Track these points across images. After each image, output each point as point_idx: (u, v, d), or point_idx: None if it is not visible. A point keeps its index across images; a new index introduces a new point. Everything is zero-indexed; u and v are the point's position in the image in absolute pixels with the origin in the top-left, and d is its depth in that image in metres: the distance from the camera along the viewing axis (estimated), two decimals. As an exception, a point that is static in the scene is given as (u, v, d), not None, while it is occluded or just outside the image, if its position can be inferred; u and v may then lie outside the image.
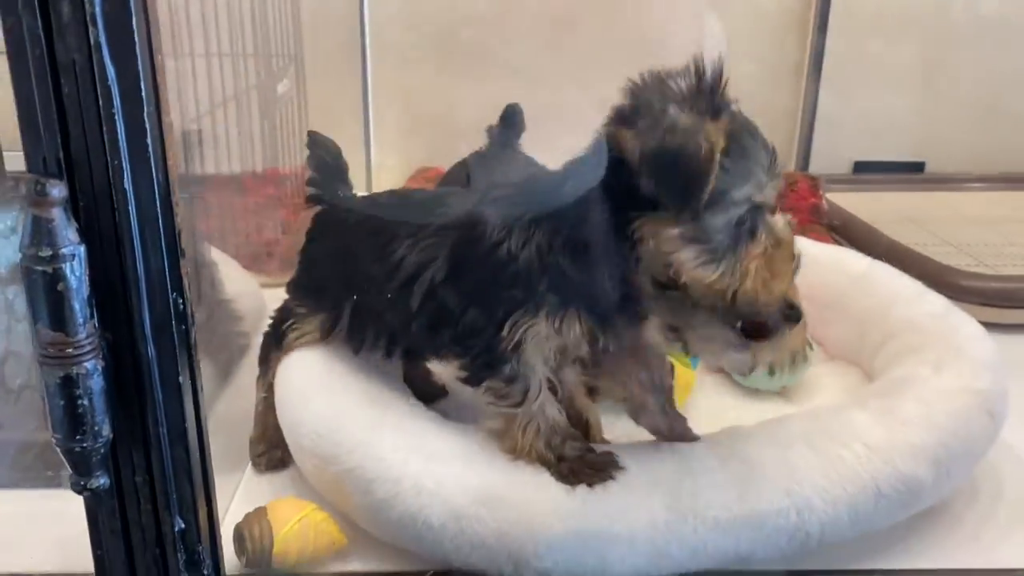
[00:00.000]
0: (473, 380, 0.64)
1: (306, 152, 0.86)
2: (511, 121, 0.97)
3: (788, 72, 1.56)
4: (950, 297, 1.06)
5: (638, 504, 0.59)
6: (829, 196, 1.43)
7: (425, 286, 0.65)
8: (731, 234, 0.57)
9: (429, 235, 0.66)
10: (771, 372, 0.67)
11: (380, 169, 1.58)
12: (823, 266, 0.92)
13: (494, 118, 1.53)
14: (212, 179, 1.11)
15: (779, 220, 0.60)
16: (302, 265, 0.79)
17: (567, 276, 0.60)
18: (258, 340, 0.92)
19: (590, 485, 0.60)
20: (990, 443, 0.70)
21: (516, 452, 0.62)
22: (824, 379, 0.86)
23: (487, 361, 0.62)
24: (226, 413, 0.82)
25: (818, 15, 1.51)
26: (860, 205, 1.42)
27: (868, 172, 1.60)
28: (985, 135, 1.60)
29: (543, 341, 0.61)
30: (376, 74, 1.54)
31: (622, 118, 0.59)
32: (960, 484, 0.70)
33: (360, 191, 1.57)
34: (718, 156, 0.55)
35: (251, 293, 0.97)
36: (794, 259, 0.60)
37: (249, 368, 0.89)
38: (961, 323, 0.78)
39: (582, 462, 0.62)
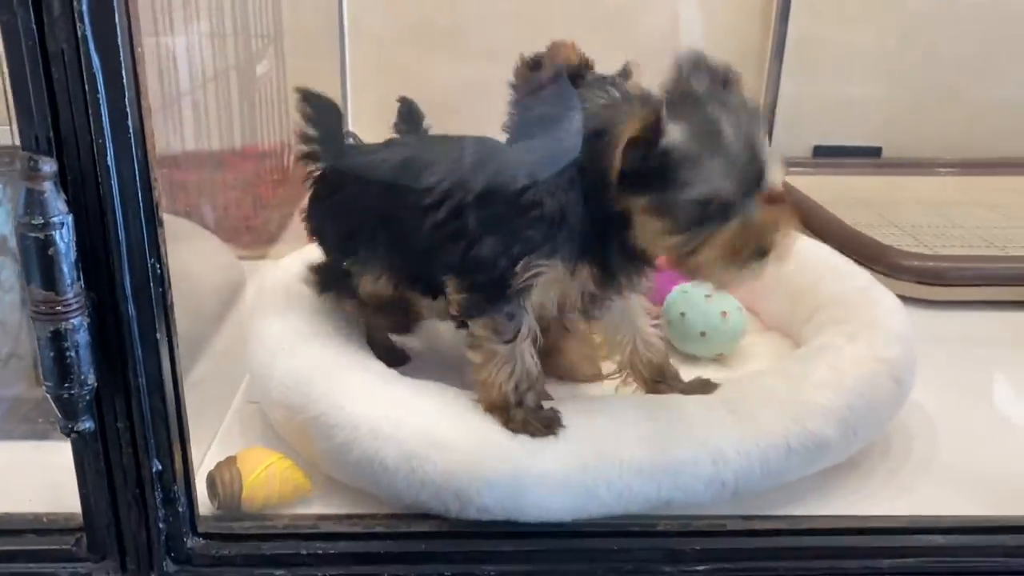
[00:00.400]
0: (473, 312, 0.68)
1: (296, 111, 0.88)
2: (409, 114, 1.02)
3: (751, 58, 1.62)
4: (887, 275, 1.15)
5: (571, 450, 0.66)
6: (790, 178, 1.50)
7: (453, 206, 0.69)
8: (695, 212, 0.61)
9: (461, 169, 0.71)
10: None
11: (357, 147, 1.63)
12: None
13: (468, 98, 1.60)
14: (193, 155, 1.17)
15: (762, 215, 0.62)
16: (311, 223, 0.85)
17: (584, 229, 0.65)
18: (235, 307, 0.99)
19: (532, 436, 0.67)
20: (897, 407, 0.77)
21: (486, 386, 0.68)
22: (758, 348, 0.93)
23: (493, 295, 0.67)
24: (205, 372, 0.88)
25: (780, 3, 1.57)
26: (818, 187, 1.49)
27: (827, 156, 1.66)
28: (940, 122, 1.67)
29: (551, 285, 0.67)
30: (354, 55, 1.59)
31: None
32: (869, 443, 0.77)
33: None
34: (622, 144, 0.60)
35: (229, 264, 1.03)
36: (759, 256, 0.62)
37: (227, 332, 0.96)
38: (881, 297, 0.85)
39: (533, 415, 0.69)
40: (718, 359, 0.90)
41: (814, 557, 0.66)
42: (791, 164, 1.57)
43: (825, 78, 1.63)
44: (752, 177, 0.62)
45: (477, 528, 0.65)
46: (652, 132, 0.61)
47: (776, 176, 0.63)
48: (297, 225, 1.27)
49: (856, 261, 1.17)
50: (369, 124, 1.62)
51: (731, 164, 0.61)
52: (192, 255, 0.98)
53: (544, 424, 0.68)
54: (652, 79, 1.64)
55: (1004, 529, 0.67)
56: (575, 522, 0.66)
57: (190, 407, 0.75)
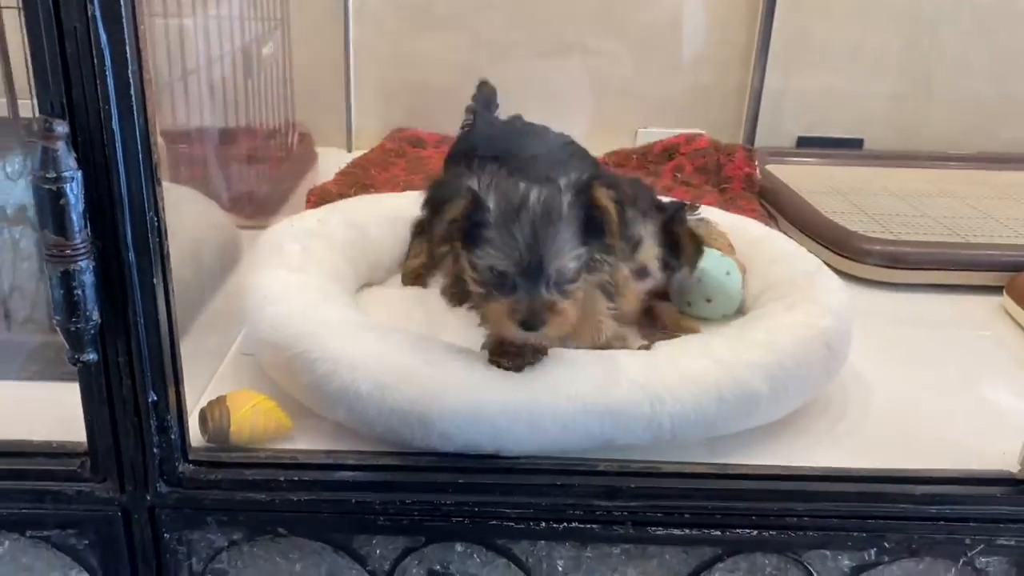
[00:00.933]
0: None
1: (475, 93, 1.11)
2: (485, 96, 1.11)
3: (737, 51, 1.68)
4: (852, 259, 1.22)
5: (524, 385, 0.73)
6: (773, 168, 1.57)
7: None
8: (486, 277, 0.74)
9: None
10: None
11: (359, 129, 1.71)
12: (728, 230, 1.06)
13: (465, 84, 1.67)
14: (201, 130, 1.25)
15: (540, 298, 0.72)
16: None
17: None
18: (232, 270, 1.07)
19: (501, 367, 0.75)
20: (829, 373, 0.84)
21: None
22: (718, 326, 1.00)
23: None
24: (203, 325, 0.96)
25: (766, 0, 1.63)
26: (800, 176, 1.56)
27: (811, 147, 1.72)
28: (921, 116, 1.73)
29: None
30: (358, 40, 1.66)
31: None
32: (805, 405, 0.84)
33: (341, 149, 1.71)
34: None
35: (228, 231, 1.11)
36: (525, 328, 0.72)
37: (225, 291, 1.04)
38: (825, 279, 0.92)
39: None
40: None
41: (737, 499, 0.73)
42: (775, 154, 1.65)
43: (810, 71, 1.70)
44: (529, 264, 0.72)
45: (436, 462, 0.73)
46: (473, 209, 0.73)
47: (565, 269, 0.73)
48: (296, 201, 1.36)
49: (824, 245, 1.25)
50: (372, 105, 1.70)
51: (513, 248, 0.71)
52: (196, 220, 1.06)
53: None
54: (646, 67, 1.72)
55: (911, 479, 0.74)
56: (525, 457, 0.74)
57: (189, 355, 0.84)
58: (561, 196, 0.73)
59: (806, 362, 0.80)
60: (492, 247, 0.72)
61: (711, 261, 0.97)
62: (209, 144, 1.27)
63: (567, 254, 0.72)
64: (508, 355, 0.76)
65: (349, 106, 1.70)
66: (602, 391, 0.74)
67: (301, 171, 1.51)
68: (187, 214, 1.02)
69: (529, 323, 0.72)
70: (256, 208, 1.30)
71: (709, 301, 0.97)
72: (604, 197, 0.73)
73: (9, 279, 0.96)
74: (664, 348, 0.81)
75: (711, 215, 1.11)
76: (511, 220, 0.71)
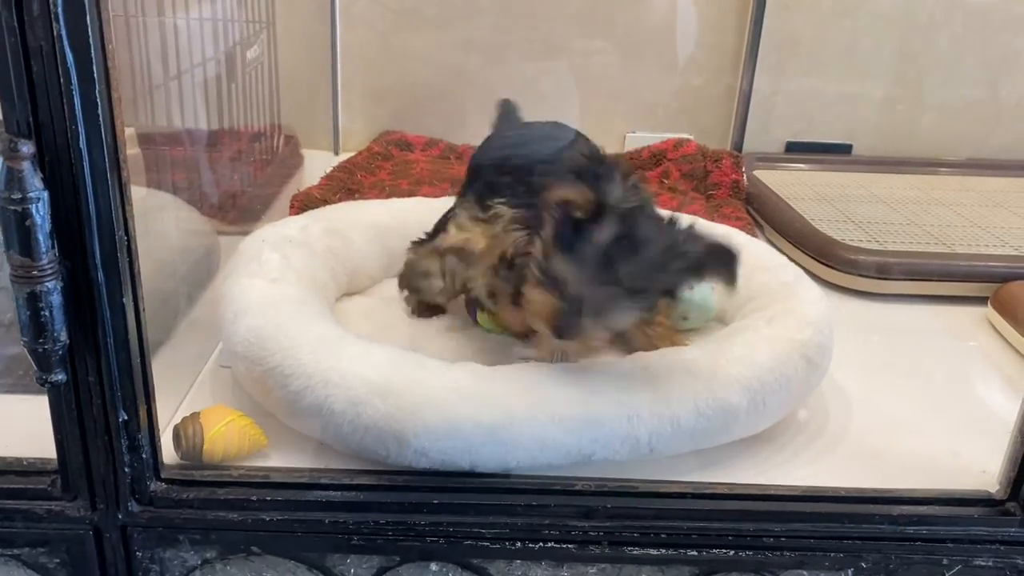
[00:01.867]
0: None
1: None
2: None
3: (727, 55, 1.67)
4: (836, 268, 1.21)
5: (500, 401, 0.73)
6: (761, 174, 1.57)
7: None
8: None
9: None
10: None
11: (346, 132, 1.70)
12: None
13: (452, 86, 1.66)
14: (185, 134, 1.23)
15: None
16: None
17: None
18: (212, 280, 1.06)
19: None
20: (809, 386, 0.84)
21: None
22: (697, 338, 0.99)
23: None
24: (180, 338, 0.96)
25: (756, 1, 1.62)
26: (788, 183, 1.55)
27: (799, 152, 1.72)
28: (910, 122, 1.73)
29: None
30: (345, 42, 1.65)
31: None
32: (784, 419, 0.84)
33: (328, 152, 1.70)
34: None
35: (208, 239, 1.10)
36: None
37: (204, 300, 1.03)
38: (804, 289, 0.91)
39: None
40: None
41: (714, 519, 0.73)
42: (763, 160, 1.64)
43: (799, 76, 1.69)
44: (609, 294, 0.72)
45: (411, 482, 0.73)
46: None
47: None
48: (280, 204, 1.35)
49: (810, 255, 1.25)
50: (359, 107, 1.69)
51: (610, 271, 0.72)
52: (175, 227, 1.05)
53: None
54: (635, 71, 1.71)
55: (889, 500, 0.74)
56: (501, 475, 0.73)
57: (167, 367, 0.83)
58: (677, 243, 0.72)
59: (785, 375, 0.80)
60: (589, 255, 0.70)
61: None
62: (191, 148, 1.26)
63: (640, 302, 0.73)
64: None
65: (336, 108, 1.69)
66: (579, 406, 0.73)
67: (286, 174, 1.50)
68: (166, 221, 1.01)
69: (563, 332, 0.72)
70: (239, 213, 1.29)
71: (685, 319, 0.96)
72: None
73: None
74: (641, 362, 0.80)
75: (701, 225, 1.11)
76: (623, 244, 0.70)
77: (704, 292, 0.94)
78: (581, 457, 0.74)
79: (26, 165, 0.57)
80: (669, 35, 1.68)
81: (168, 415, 0.81)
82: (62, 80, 0.57)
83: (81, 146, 0.59)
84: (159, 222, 1.00)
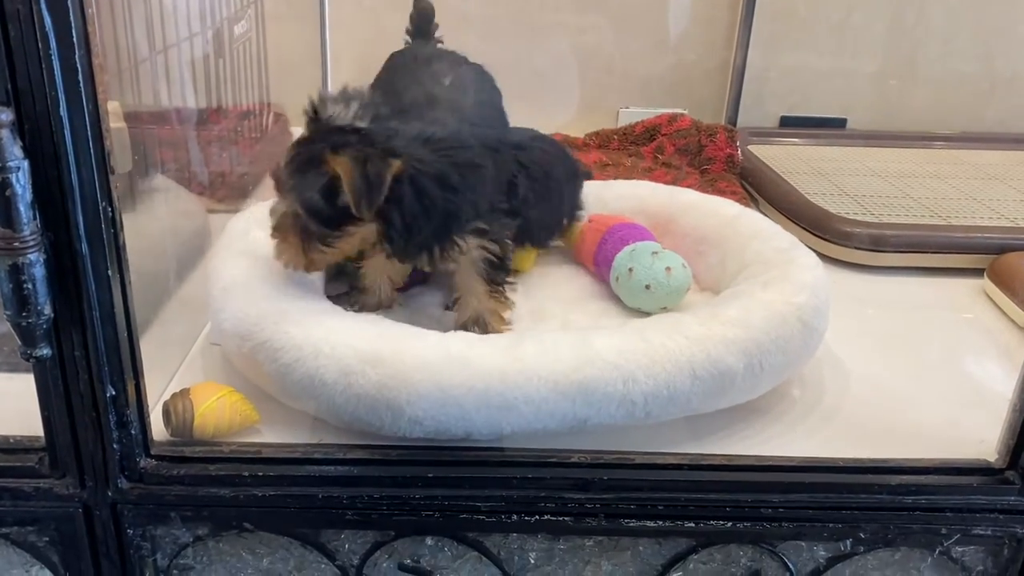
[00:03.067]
0: None
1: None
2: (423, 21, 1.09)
3: (720, 30, 1.66)
4: (832, 241, 1.21)
5: (493, 365, 0.72)
6: (755, 148, 1.55)
7: None
8: None
9: None
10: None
11: (337, 108, 1.67)
12: (701, 211, 1.05)
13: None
14: (172, 111, 1.22)
15: None
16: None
17: None
18: (201, 257, 1.05)
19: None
20: (806, 349, 0.83)
21: None
22: (694, 306, 0.97)
23: None
24: (170, 315, 0.94)
25: (749, -23, 1.61)
26: (782, 157, 1.54)
27: (793, 126, 1.71)
28: (905, 95, 1.71)
29: None
30: (334, 17, 1.63)
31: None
32: (780, 389, 0.83)
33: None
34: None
35: (197, 217, 1.09)
36: None
37: (193, 278, 1.02)
38: (799, 256, 0.90)
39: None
40: (662, 312, 0.95)
41: (712, 490, 0.72)
42: (758, 134, 1.63)
43: (793, 50, 1.68)
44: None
45: (405, 456, 0.72)
46: None
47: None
48: (271, 181, 1.33)
49: (805, 228, 1.24)
50: (350, 84, 1.67)
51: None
52: (163, 206, 1.03)
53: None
54: (628, 46, 1.70)
55: (887, 470, 0.73)
56: (499, 450, 0.73)
57: (155, 345, 0.82)
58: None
59: (781, 338, 0.79)
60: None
61: (643, 250, 0.96)
62: (179, 125, 1.24)
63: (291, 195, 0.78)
64: None
65: (326, 85, 1.66)
66: (574, 370, 0.72)
67: (276, 152, 1.47)
68: (154, 201, 1.00)
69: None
70: (228, 191, 1.27)
71: (648, 287, 0.94)
72: (338, 163, 0.75)
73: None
74: (635, 326, 0.79)
75: (687, 197, 1.10)
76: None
77: (678, 276, 0.93)
78: (576, 422, 0.73)
79: (4, 133, 0.56)
80: (662, 9, 1.66)
81: (158, 392, 0.79)
82: (40, 45, 0.56)
83: (61, 113, 0.58)
84: (149, 202, 0.98)
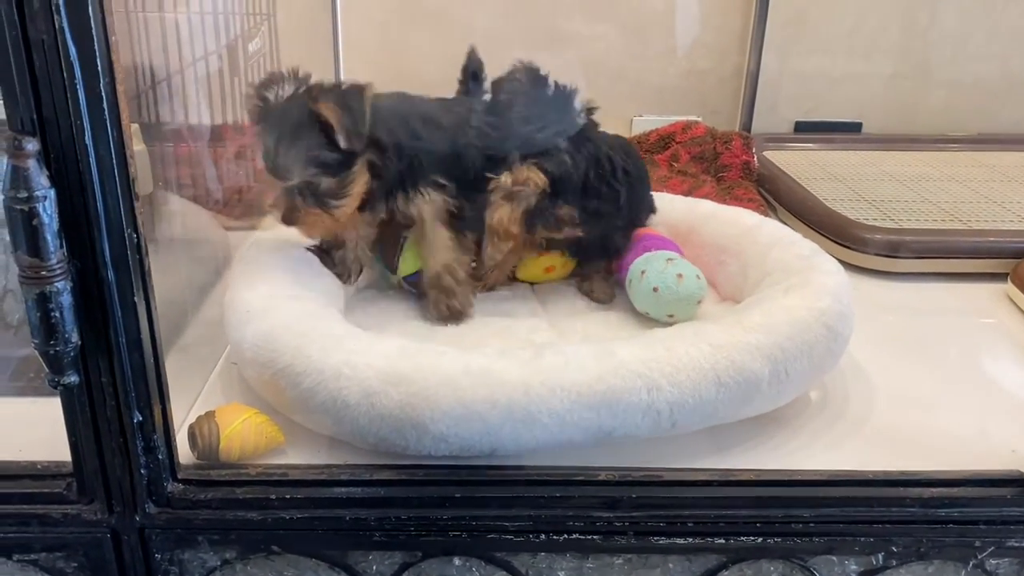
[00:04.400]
0: None
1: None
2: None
3: (733, 35, 1.65)
4: (851, 248, 1.20)
5: (515, 379, 0.71)
6: (771, 154, 1.55)
7: None
8: None
9: None
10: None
11: (350, 123, 1.68)
12: (721, 220, 1.04)
13: (454, 77, 1.64)
14: (189, 129, 1.22)
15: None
16: None
17: None
18: (222, 277, 1.05)
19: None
20: (831, 355, 0.82)
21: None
22: (713, 316, 0.97)
23: None
24: (192, 337, 0.94)
25: (762, -17, 1.60)
26: (798, 163, 1.54)
27: (809, 131, 1.70)
28: (920, 98, 1.71)
29: None
30: (346, 33, 1.64)
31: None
32: (805, 399, 0.83)
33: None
34: None
35: (216, 236, 1.09)
36: None
37: (213, 299, 1.02)
38: (821, 262, 0.90)
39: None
40: (670, 320, 0.94)
41: (741, 506, 0.71)
42: (773, 140, 1.62)
43: (806, 55, 1.68)
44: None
45: (432, 476, 0.72)
46: None
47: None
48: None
49: (824, 235, 1.23)
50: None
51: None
52: (182, 229, 1.04)
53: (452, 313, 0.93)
54: (641, 54, 1.69)
55: (919, 482, 0.72)
56: (522, 467, 0.72)
57: (178, 368, 0.82)
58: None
59: (806, 343, 0.78)
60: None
61: (659, 256, 0.96)
62: (196, 143, 1.24)
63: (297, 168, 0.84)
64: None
65: (339, 100, 1.67)
66: (597, 380, 0.72)
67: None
68: (174, 222, 1.00)
69: (285, 220, 0.87)
70: (246, 208, 1.28)
71: (656, 290, 0.93)
72: (321, 108, 0.82)
73: (2, 281, 0.94)
74: (658, 335, 0.79)
75: (705, 207, 1.09)
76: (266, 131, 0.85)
77: (688, 284, 0.92)
78: (602, 433, 0.73)
79: (31, 163, 0.56)
80: (674, 17, 1.66)
81: (182, 414, 0.79)
82: (65, 74, 0.56)
83: (87, 142, 0.58)
84: (168, 224, 0.98)
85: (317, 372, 0.72)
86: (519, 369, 0.73)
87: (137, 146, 0.90)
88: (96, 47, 0.56)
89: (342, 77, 1.65)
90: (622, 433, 0.73)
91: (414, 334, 0.93)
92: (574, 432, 0.72)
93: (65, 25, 0.55)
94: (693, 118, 1.59)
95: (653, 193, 1.09)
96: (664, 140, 1.53)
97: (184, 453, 0.73)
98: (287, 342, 0.75)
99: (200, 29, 1.19)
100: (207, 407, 0.79)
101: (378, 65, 1.68)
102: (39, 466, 0.71)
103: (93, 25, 0.55)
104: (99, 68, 0.56)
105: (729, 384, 0.74)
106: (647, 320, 0.96)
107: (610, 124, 1.66)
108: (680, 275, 0.92)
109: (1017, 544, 0.72)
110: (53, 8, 0.54)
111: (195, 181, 1.18)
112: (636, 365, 0.73)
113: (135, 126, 0.94)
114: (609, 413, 0.72)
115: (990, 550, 0.72)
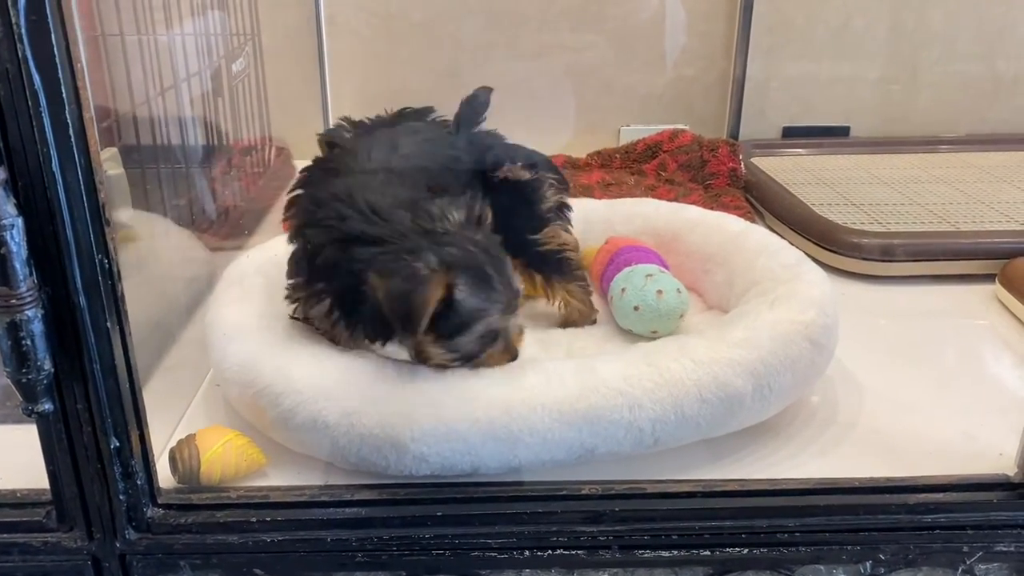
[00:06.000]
0: None
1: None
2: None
3: (718, 41, 1.65)
4: (839, 253, 1.19)
5: (496, 397, 0.71)
6: (758, 160, 1.55)
7: None
8: (475, 344, 0.75)
9: None
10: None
11: (338, 140, 1.68)
12: (706, 227, 1.04)
13: (443, 90, 1.64)
14: (175, 150, 1.22)
15: (514, 329, 0.78)
16: None
17: None
18: (205, 299, 1.04)
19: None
20: (815, 369, 0.82)
21: None
22: (699, 325, 0.96)
23: None
24: (175, 359, 0.94)
25: (745, -11, 1.60)
26: (786, 168, 1.53)
27: (796, 137, 1.70)
28: (907, 101, 1.70)
29: None
30: (332, 50, 1.64)
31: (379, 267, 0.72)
32: (793, 407, 0.82)
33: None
34: (431, 306, 0.70)
35: (200, 258, 1.09)
36: (513, 353, 0.78)
37: (197, 321, 1.01)
38: (807, 271, 0.89)
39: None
40: (653, 336, 0.94)
41: (726, 517, 0.71)
42: (760, 146, 1.62)
43: (792, 60, 1.67)
44: (513, 305, 0.76)
45: (413, 495, 0.71)
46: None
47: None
48: (274, 217, 1.34)
49: (812, 240, 1.23)
50: (350, 115, 1.67)
51: (503, 305, 0.75)
52: (165, 251, 1.03)
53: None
54: (626, 64, 1.70)
55: (905, 488, 0.72)
56: (504, 483, 0.72)
57: (161, 390, 0.82)
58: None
59: (789, 358, 0.78)
60: (483, 320, 0.74)
61: (639, 272, 0.95)
62: (181, 164, 1.24)
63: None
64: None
65: (326, 117, 1.67)
66: (578, 398, 0.72)
67: (279, 187, 1.48)
68: (157, 245, 1.00)
69: (515, 353, 0.78)
70: (233, 228, 1.28)
71: (636, 309, 0.93)
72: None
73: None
74: (642, 350, 0.78)
75: (690, 213, 1.09)
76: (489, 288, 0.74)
77: (669, 300, 0.92)
78: (584, 451, 0.72)
79: (-2, 191, 0.56)
80: (659, 26, 1.66)
81: (165, 437, 0.79)
82: (30, 103, 0.56)
83: (54, 169, 0.57)
84: (151, 246, 0.98)
85: (296, 392, 0.72)
86: (499, 387, 0.73)
87: (115, 170, 0.91)
88: (60, 75, 0.56)
89: (328, 95, 1.65)
90: (604, 451, 0.73)
91: (395, 352, 0.92)
92: (556, 450, 0.72)
93: (28, 55, 0.54)
94: (680, 126, 1.58)
95: (638, 199, 1.09)
96: (651, 149, 1.53)
97: (165, 477, 0.73)
98: (266, 362, 0.75)
99: (181, 51, 1.20)
100: (191, 429, 0.78)
101: (365, 80, 1.68)
102: (18, 494, 0.71)
103: (57, 54, 0.55)
104: (64, 96, 0.56)
105: (712, 400, 0.74)
106: (632, 334, 0.95)
107: (598, 135, 1.68)
108: (660, 291, 0.92)
109: (1005, 549, 0.71)
110: (16, 37, 0.54)
111: (180, 202, 1.18)
112: (617, 382, 0.73)
113: (113, 150, 0.95)
114: (591, 431, 0.72)
115: (978, 555, 0.71)
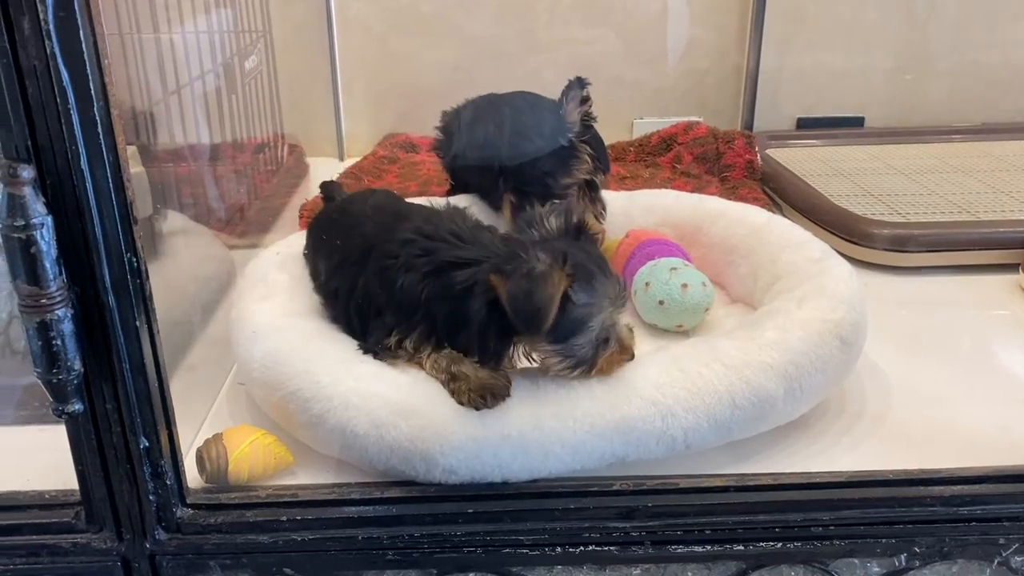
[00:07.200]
0: None
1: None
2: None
3: (731, 33, 1.64)
4: (859, 243, 1.18)
5: (527, 410, 0.70)
6: (774, 152, 1.53)
7: None
8: (590, 346, 0.72)
9: None
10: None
11: (351, 137, 1.67)
12: (729, 219, 1.03)
13: (453, 84, 1.63)
14: (189, 149, 1.21)
15: (624, 328, 0.75)
16: None
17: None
18: (226, 296, 1.04)
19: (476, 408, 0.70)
20: (845, 367, 0.81)
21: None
22: (724, 320, 0.96)
23: None
24: (198, 358, 0.93)
25: (758, -21, 1.59)
26: (801, 159, 1.52)
27: (811, 128, 1.69)
28: (920, 89, 1.69)
29: None
30: (343, 46, 1.63)
31: (496, 267, 0.70)
32: (822, 403, 0.81)
33: (333, 158, 1.68)
34: (557, 300, 0.68)
35: (220, 256, 1.08)
36: (630, 353, 0.75)
37: (219, 319, 1.01)
38: (833, 265, 0.88)
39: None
40: (678, 330, 0.93)
41: (759, 511, 0.70)
42: (775, 138, 1.61)
43: (806, 50, 1.66)
44: (621, 297, 0.73)
45: (444, 492, 0.70)
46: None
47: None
48: (288, 214, 1.33)
49: (830, 231, 1.22)
50: (362, 111, 1.67)
51: (607, 299, 0.72)
52: (185, 248, 1.03)
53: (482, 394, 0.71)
54: (638, 56, 1.68)
55: (939, 480, 0.71)
56: (536, 482, 0.71)
57: (184, 390, 0.81)
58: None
59: (821, 358, 0.77)
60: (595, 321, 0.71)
61: (663, 266, 0.94)
62: (196, 163, 1.24)
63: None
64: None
65: (338, 114, 1.66)
66: (610, 409, 0.71)
67: (293, 184, 1.48)
68: (175, 242, 0.99)
69: (632, 354, 0.75)
70: (248, 226, 1.27)
71: (662, 303, 0.92)
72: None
73: (8, 308, 0.93)
74: (672, 353, 0.77)
75: (713, 204, 1.08)
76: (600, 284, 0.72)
77: (694, 294, 0.91)
78: (615, 459, 0.72)
79: (27, 190, 0.55)
80: (671, 18, 1.65)
81: (190, 437, 0.79)
82: (59, 100, 0.55)
83: (83, 167, 0.57)
84: (171, 244, 0.98)
85: (326, 399, 0.71)
86: (528, 401, 0.71)
87: (135, 168, 0.90)
88: (89, 72, 0.55)
89: (340, 91, 1.65)
90: (636, 458, 0.73)
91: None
92: (587, 460, 0.71)
93: (57, 51, 0.54)
94: (694, 119, 1.57)
95: (659, 191, 1.08)
96: (666, 142, 1.52)
97: (193, 477, 0.73)
98: (295, 365, 0.74)
99: (195, 49, 1.19)
100: (215, 428, 0.78)
101: (377, 76, 1.67)
102: (47, 496, 0.70)
103: (85, 50, 0.54)
104: (92, 93, 0.56)
105: (744, 405, 0.73)
106: (657, 328, 0.95)
107: (611, 128, 1.66)
108: (685, 285, 0.91)
109: (1042, 540, 0.70)
110: (44, 34, 0.53)
111: (196, 200, 1.18)
112: (650, 392, 0.72)
113: (132, 148, 0.94)
114: (623, 442, 0.71)
115: (1015, 547, 0.70)
